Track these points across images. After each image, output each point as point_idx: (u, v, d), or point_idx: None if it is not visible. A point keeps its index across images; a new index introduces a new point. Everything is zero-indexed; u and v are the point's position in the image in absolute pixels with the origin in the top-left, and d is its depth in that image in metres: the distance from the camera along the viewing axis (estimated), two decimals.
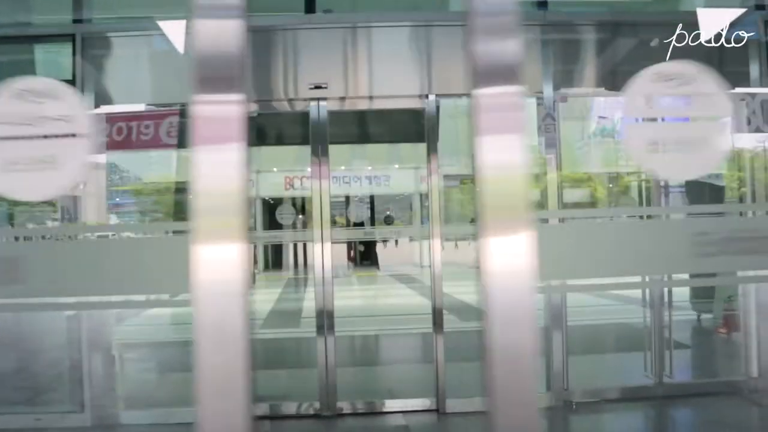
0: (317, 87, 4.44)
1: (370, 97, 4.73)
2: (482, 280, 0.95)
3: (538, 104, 4.53)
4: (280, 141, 13.82)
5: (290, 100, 4.66)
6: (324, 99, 4.47)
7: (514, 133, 0.95)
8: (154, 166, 6.87)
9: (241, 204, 0.90)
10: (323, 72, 4.48)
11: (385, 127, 12.65)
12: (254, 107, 4.64)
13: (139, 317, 7.07)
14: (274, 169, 16.23)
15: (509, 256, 0.97)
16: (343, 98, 4.62)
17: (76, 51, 4.19)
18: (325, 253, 4.41)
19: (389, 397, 4.51)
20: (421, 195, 17.52)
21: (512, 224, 0.95)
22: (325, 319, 4.39)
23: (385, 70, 4.59)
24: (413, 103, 4.67)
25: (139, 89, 4.55)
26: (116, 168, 6.59)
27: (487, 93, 0.95)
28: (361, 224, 13.32)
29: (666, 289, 4.64)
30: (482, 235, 0.97)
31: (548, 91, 4.55)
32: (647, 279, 4.29)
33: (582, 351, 5.25)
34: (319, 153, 4.46)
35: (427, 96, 4.55)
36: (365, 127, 12.86)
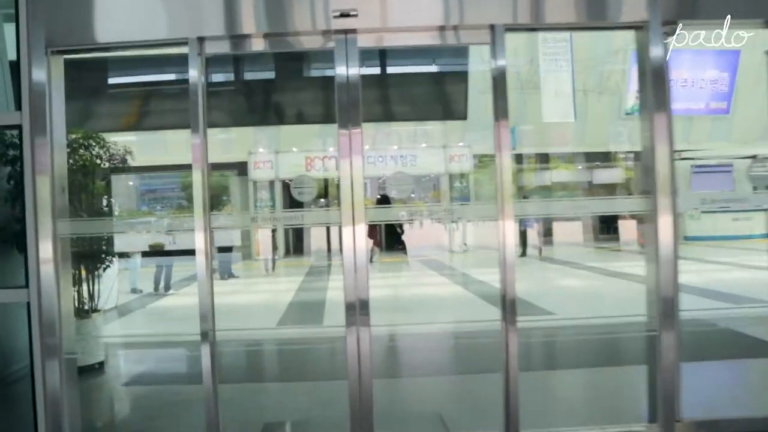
0: (344, 15, 3.35)
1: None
2: None
3: None
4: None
5: (309, 34, 3.50)
6: (353, 32, 3.36)
7: None
8: None
9: None
10: None
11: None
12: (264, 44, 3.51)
13: None
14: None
15: None
16: (376, 30, 3.47)
17: None
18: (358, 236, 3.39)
19: (442, 428, 3.43)
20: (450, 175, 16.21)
21: None
22: (358, 315, 3.38)
23: None
24: (476, 38, 3.48)
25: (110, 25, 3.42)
26: None
27: None
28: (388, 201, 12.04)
29: None
30: None
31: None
32: None
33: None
34: (349, 124, 3.38)
35: (492, 27, 3.38)
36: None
